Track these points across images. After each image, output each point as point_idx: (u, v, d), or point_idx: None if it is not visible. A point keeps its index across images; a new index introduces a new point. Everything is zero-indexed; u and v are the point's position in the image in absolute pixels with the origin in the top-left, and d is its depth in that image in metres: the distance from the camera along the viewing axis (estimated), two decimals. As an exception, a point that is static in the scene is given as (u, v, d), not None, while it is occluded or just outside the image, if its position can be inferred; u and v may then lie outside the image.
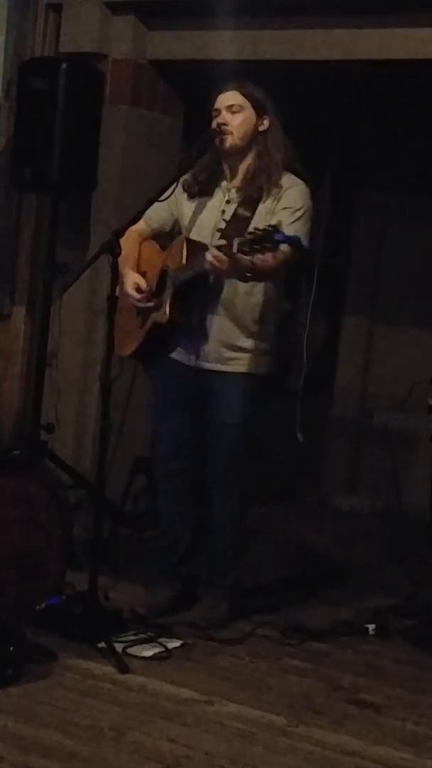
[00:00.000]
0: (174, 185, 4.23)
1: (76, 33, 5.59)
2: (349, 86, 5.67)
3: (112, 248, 4.03)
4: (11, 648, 3.58)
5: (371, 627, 4.44)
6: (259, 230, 3.83)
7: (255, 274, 4.00)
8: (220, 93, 4.26)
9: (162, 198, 4.20)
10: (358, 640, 4.38)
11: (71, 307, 5.51)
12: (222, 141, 4.21)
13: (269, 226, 3.83)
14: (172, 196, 4.33)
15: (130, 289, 4.28)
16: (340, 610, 4.66)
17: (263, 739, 3.40)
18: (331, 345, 7.09)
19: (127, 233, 4.29)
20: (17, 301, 5.78)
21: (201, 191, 4.33)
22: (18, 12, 5.63)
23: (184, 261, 4.14)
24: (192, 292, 4.17)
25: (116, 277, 4.07)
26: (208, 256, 3.98)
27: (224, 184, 4.31)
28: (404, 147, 6.53)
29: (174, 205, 4.35)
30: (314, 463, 7.03)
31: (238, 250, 3.85)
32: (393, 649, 4.32)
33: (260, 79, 4.30)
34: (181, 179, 4.32)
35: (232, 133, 4.21)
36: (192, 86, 5.62)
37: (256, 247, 3.81)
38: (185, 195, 4.34)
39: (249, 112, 4.23)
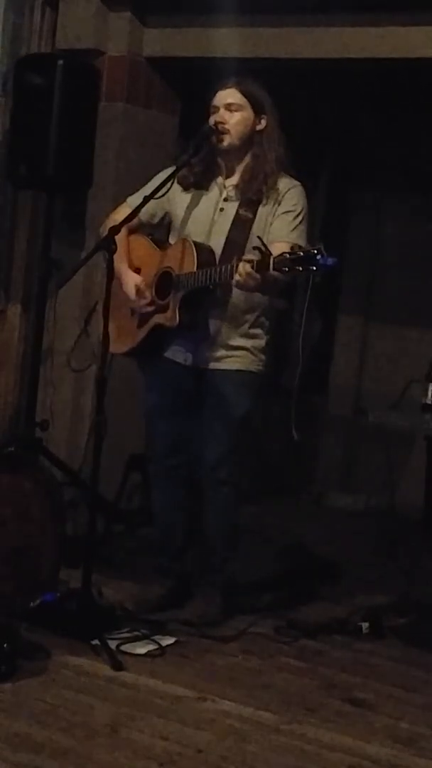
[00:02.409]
0: (170, 183, 4.23)
1: (72, 29, 5.58)
2: (345, 85, 5.67)
3: (108, 246, 4.03)
4: (4, 645, 3.58)
5: (365, 625, 4.45)
6: (301, 251, 3.75)
7: (269, 289, 3.99)
8: (219, 90, 4.25)
9: (158, 195, 4.20)
10: (352, 638, 4.39)
11: (66, 303, 5.51)
12: (219, 140, 4.21)
13: (312, 249, 3.73)
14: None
15: (131, 293, 4.27)
16: (333, 608, 4.67)
17: (256, 737, 3.41)
18: (326, 343, 7.10)
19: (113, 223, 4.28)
20: (12, 297, 5.77)
21: (196, 184, 4.31)
22: (14, 8, 5.62)
23: (194, 268, 4.10)
24: (201, 298, 4.15)
25: (111, 275, 4.07)
26: (239, 272, 3.88)
27: (220, 179, 4.30)
28: (399, 147, 6.53)
29: (165, 197, 4.30)
30: (308, 460, 7.04)
31: (274, 269, 3.80)
32: (386, 647, 4.33)
33: (256, 76, 4.30)
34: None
35: (229, 132, 4.20)
36: (188, 83, 5.62)
37: (297, 267, 3.72)
38: (179, 187, 4.33)
39: (247, 112, 4.22)
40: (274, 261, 3.78)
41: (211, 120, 4.21)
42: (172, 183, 4.24)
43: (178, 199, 4.34)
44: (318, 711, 3.66)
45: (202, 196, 4.31)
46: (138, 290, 4.28)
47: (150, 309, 4.29)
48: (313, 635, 4.34)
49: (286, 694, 3.78)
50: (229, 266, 3.96)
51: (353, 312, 7.09)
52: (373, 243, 7.00)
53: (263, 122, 4.24)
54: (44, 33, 5.62)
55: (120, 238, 4.26)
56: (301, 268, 3.73)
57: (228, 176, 4.30)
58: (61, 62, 5.11)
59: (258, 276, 3.85)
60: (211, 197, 4.30)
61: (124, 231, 4.30)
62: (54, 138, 5.05)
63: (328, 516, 6.59)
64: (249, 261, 3.88)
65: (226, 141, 4.21)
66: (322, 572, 5.18)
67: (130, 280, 4.30)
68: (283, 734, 3.45)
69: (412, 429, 5.15)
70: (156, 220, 4.38)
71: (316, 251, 3.72)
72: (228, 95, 4.23)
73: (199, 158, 4.29)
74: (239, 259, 3.94)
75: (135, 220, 4.35)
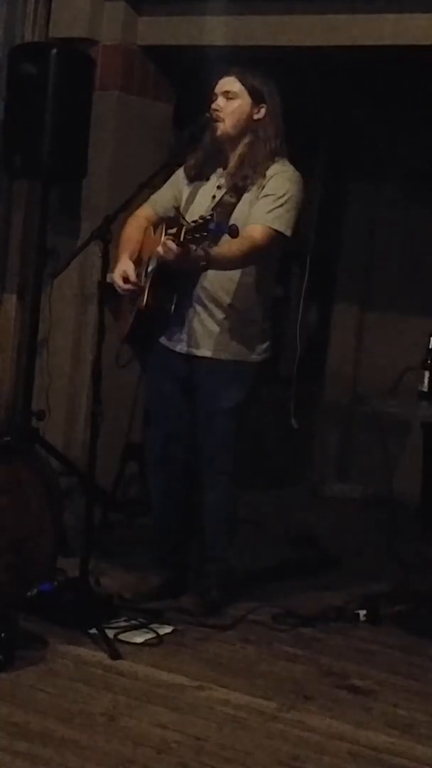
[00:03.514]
0: (162, 171, 4.24)
1: (66, 18, 5.56)
2: (341, 73, 5.65)
3: (103, 234, 4.03)
4: (2, 634, 3.58)
5: (362, 613, 4.45)
6: (200, 219, 3.83)
7: (210, 263, 3.99)
8: (220, 77, 4.26)
9: (155, 184, 4.21)
10: (349, 625, 4.39)
11: (62, 293, 5.51)
12: (214, 128, 4.21)
13: (208, 215, 3.84)
14: (176, 181, 4.35)
15: (116, 278, 4.26)
16: (331, 596, 4.67)
17: (254, 725, 3.41)
18: (322, 331, 7.09)
19: (135, 218, 4.31)
20: (8, 287, 5.76)
21: (199, 175, 4.33)
22: (8, -4, 5.61)
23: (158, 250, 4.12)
24: (168, 279, 4.15)
25: (107, 264, 4.07)
26: (161, 244, 3.99)
27: (220, 170, 4.30)
28: (396, 134, 6.53)
29: (177, 190, 4.36)
30: (305, 449, 7.04)
31: (184, 239, 3.85)
32: (384, 635, 4.34)
33: (261, 65, 4.29)
34: (185, 164, 4.33)
35: (223, 120, 4.20)
36: (183, 72, 5.61)
37: (196, 236, 3.81)
38: (186, 179, 4.35)
39: (244, 100, 4.22)
40: (184, 232, 3.85)
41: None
42: (163, 173, 4.24)
43: (184, 191, 4.35)
44: (316, 698, 3.66)
45: (201, 187, 4.32)
46: (125, 277, 4.25)
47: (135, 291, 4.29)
48: (310, 623, 4.34)
49: (283, 681, 3.79)
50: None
51: (349, 300, 7.08)
52: (368, 231, 7.00)
53: (261, 111, 4.23)
54: (38, 22, 5.59)
55: (137, 230, 4.34)
56: (198, 236, 3.82)
57: (225, 165, 4.30)
58: (55, 51, 5.09)
59: (174, 247, 3.89)
60: (208, 187, 4.31)
61: (143, 224, 4.36)
62: (48, 127, 5.03)
63: (325, 504, 6.59)
64: (170, 235, 3.95)
65: (220, 129, 4.21)
66: (324, 563, 5.18)
67: (120, 267, 4.28)
68: (281, 722, 3.45)
69: (409, 417, 5.17)
70: (171, 213, 4.38)
71: (209, 218, 3.82)
72: (227, 83, 4.23)
73: (203, 150, 4.30)
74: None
75: (154, 216, 4.39)
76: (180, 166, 4.40)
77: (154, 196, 4.41)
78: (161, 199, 4.39)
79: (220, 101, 4.21)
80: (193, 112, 4.33)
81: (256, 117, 4.23)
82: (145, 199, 4.42)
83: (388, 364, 6.22)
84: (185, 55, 5.50)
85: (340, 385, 7.07)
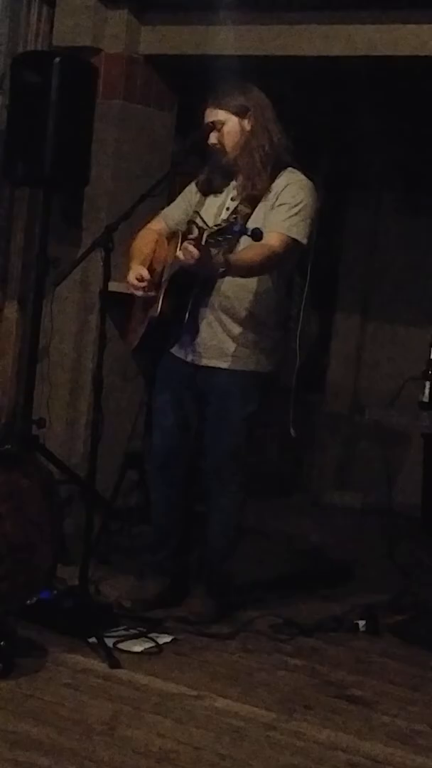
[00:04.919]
0: (164, 180, 4.24)
1: (69, 27, 5.58)
2: (343, 82, 5.67)
3: (105, 243, 4.03)
4: (1, 642, 3.58)
5: (361, 623, 4.45)
6: (222, 223, 3.83)
7: (229, 270, 3.98)
8: (203, 110, 4.28)
9: (157, 193, 4.22)
10: (349, 635, 4.39)
11: (63, 302, 5.51)
12: (219, 157, 4.26)
13: (231, 217, 3.83)
14: (189, 196, 4.38)
15: (131, 278, 4.27)
16: (330, 605, 4.67)
17: (253, 734, 3.41)
18: (323, 341, 7.10)
19: (147, 230, 4.33)
20: (9, 295, 5.77)
21: (212, 189, 4.35)
22: (11, 5, 5.61)
23: (177, 255, 4.13)
24: (184, 287, 4.15)
25: (108, 273, 4.07)
26: (181, 248, 3.99)
27: (233, 182, 4.32)
28: (397, 143, 6.53)
29: (189, 203, 4.39)
30: (305, 458, 7.03)
31: (206, 242, 3.85)
32: (383, 645, 4.33)
33: (251, 73, 4.30)
34: (196, 180, 4.34)
35: (223, 149, 4.24)
36: (185, 81, 5.62)
37: (220, 239, 3.81)
38: (199, 193, 4.37)
39: (232, 122, 4.25)
40: (206, 235, 3.85)
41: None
42: (165, 182, 4.25)
43: (197, 204, 4.36)
44: (315, 708, 3.66)
45: (214, 199, 4.34)
46: (140, 278, 4.25)
47: (151, 295, 4.28)
48: (309, 633, 4.34)
49: (282, 691, 3.78)
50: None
51: (350, 309, 7.09)
52: (370, 240, 7.00)
53: (249, 122, 4.25)
54: (41, 30, 5.62)
55: (148, 243, 4.35)
56: (222, 239, 3.82)
57: (237, 178, 4.32)
58: (57, 60, 5.09)
59: (195, 251, 3.87)
60: (220, 198, 4.33)
61: (155, 238, 4.37)
62: (51, 135, 5.03)
63: (325, 514, 6.58)
64: (192, 239, 3.94)
65: (224, 158, 4.27)
66: (338, 574, 5.17)
67: (134, 270, 4.28)
68: (280, 732, 3.45)
69: (410, 427, 5.16)
70: (183, 227, 4.38)
71: (232, 221, 3.85)
72: (210, 115, 4.27)
73: (215, 164, 4.31)
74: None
75: (165, 229, 4.40)
76: (182, 174, 4.41)
77: (165, 210, 4.43)
78: (173, 213, 4.42)
79: (213, 136, 4.24)
80: (195, 121, 4.34)
81: (247, 129, 4.25)
82: (148, 208, 4.41)
83: (388, 373, 6.24)
84: (187, 64, 5.51)
85: (341, 395, 7.07)
